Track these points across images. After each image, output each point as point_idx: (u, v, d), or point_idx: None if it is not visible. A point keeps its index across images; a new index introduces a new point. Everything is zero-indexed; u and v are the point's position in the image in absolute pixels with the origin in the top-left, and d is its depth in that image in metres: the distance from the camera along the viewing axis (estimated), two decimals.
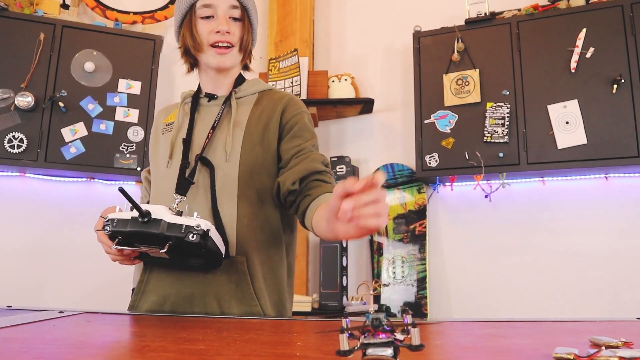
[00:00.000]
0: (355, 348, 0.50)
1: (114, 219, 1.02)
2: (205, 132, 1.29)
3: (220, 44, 1.29)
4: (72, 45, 2.95)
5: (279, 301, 1.27)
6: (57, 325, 0.90)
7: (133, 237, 1.02)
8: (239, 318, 1.12)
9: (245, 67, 1.44)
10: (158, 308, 1.22)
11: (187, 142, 1.28)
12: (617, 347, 0.65)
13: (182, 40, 1.35)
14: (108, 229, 1.03)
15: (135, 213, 0.99)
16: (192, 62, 1.38)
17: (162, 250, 0.99)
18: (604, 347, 0.64)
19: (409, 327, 0.50)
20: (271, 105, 1.31)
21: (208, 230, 1.03)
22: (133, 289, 1.32)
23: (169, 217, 1.00)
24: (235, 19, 1.31)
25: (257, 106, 1.32)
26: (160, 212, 1.00)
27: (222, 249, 1.13)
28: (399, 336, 0.51)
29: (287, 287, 1.31)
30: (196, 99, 1.37)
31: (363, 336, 0.51)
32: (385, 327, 0.50)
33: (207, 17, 1.29)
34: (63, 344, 0.73)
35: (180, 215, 1.02)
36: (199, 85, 1.40)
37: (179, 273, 1.21)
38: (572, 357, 0.61)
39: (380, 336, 0.50)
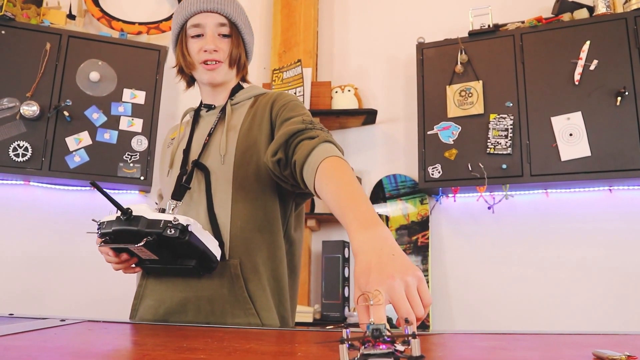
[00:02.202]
0: (355, 359, 0.50)
1: (104, 222, 1.06)
2: (202, 140, 1.32)
3: (208, 62, 1.32)
4: (78, 55, 2.97)
5: (279, 303, 1.25)
6: (59, 333, 0.90)
7: (119, 236, 1.04)
8: (240, 328, 1.11)
9: (243, 79, 1.46)
10: (154, 312, 1.23)
11: (187, 152, 1.32)
12: None
13: (176, 60, 1.40)
14: (99, 231, 1.06)
15: (114, 215, 1.03)
16: (188, 79, 1.43)
17: (139, 245, 1.00)
18: None
19: (409, 338, 0.50)
20: (263, 106, 1.32)
21: (188, 225, 1.03)
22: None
23: (150, 215, 1.02)
24: (224, 35, 1.34)
25: (251, 108, 1.34)
26: (141, 210, 1.02)
27: (216, 250, 1.13)
28: (400, 347, 0.50)
29: (289, 288, 1.29)
30: (197, 112, 1.43)
31: (363, 347, 0.50)
32: (385, 337, 0.50)
33: (197, 36, 1.33)
34: (64, 352, 0.72)
35: (163, 213, 1.05)
36: (201, 100, 1.45)
37: (174, 278, 1.22)
38: None
39: (381, 347, 0.49)
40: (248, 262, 1.21)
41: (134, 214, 1.02)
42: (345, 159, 1.07)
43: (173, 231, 1.01)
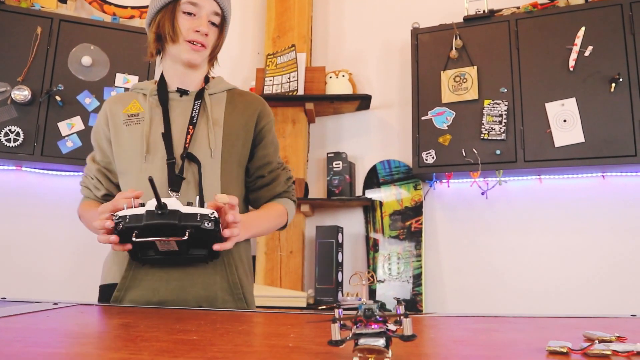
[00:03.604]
0: (347, 338, 0.50)
1: (126, 216, 1.07)
2: (182, 128, 1.32)
3: (195, 43, 1.33)
4: (70, 39, 2.94)
5: (249, 285, 1.38)
6: (51, 316, 0.90)
7: (148, 230, 1.06)
8: (233, 311, 1.12)
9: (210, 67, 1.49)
10: (146, 302, 1.24)
11: (169, 137, 1.30)
12: (610, 341, 0.65)
13: (158, 27, 1.36)
14: (122, 225, 1.06)
15: (143, 209, 1.05)
16: (158, 50, 1.41)
17: (184, 238, 1.05)
18: (597, 341, 0.64)
19: (402, 318, 0.50)
20: (245, 107, 1.41)
21: (217, 217, 1.09)
22: (101, 286, 1.35)
23: (183, 208, 1.06)
24: (213, 24, 1.36)
25: (230, 105, 1.40)
26: (174, 203, 1.06)
27: None
28: (392, 327, 0.51)
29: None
30: (165, 92, 1.38)
31: (355, 326, 0.51)
32: (377, 317, 0.50)
33: (189, 14, 1.33)
34: (56, 334, 0.72)
35: (191, 206, 1.08)
36: (164, 78, 1.41)
37: (168, 268, 1.25)
38: (565, 351, 0.61)
39: (373, 326, 0.50)
40: (235, 250, 1.32)
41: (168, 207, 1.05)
42: (285, 207, 1.44)
43: (209, 224, 1.06)
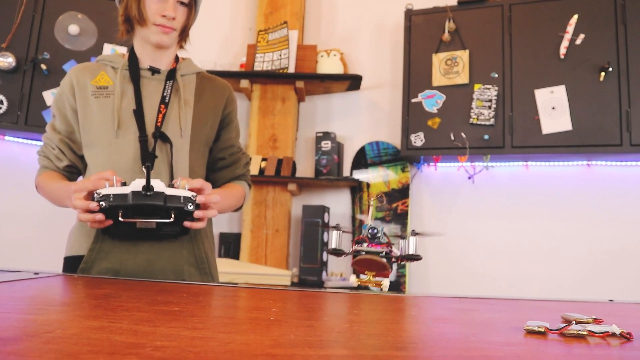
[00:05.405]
0: (350, 251, 0.49)
1: (109, 195, 1.07)
2: (154, 106, 1.32)
3: (163, 26, 1.32)
4: (56, 7, 2.87)
5: (214, 260, 1.42)
6: (31, 285, 0.89)
7: (132, 209, 1.08)
8: (219, 285, 1.12)
9: (180, 47, 1.47)
10: (113, 274, 1.24)
11: (141, 115, 1.30)
12: (587, 322, 0.66)
13: (126, 9, 1.34)
14: (105, 204, 1.06)
15: (128, 189, 1.06)
16: (128, 29, 1.38)
17: (170, 220, 1.09)
18: (574, 322, 0.65)
19: (409, 236, 0.49)
20: (214, 91, 1.44)
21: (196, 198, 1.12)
22: (66, 257, 1.35)
23: (167, 190, 1.08)
24: (182, 3, 1.34)
25: (200, 88, 1.42)
26: (158, 185, 1.07)
27: None
28: (396, 250, 0.50)
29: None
30: (137, 68, 1.36)
31: (357, 244, 0.49)
32: (381, 240, 0.49)
33: None
34: (35, 302, 0.72)
35: (173, 188, 1.11)
36: (135, 54, 1.39)
37: (136, 241, 1.26)
38: (543, 330, 0.62)
39: (376, 248, 0.48)
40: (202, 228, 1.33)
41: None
42: (244, 189, 1.50)
43: (192, 206, 1.10)
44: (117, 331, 0.50)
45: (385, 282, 0.49)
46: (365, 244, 0.49)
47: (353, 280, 0.48)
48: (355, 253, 0.49)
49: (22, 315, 0.58)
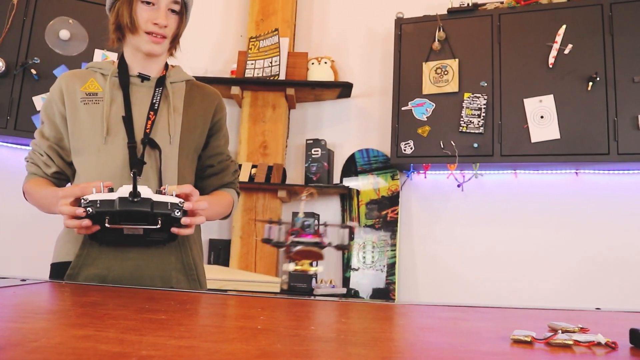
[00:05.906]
0: (282, 242, 0.52)
1: (96, 201, 1.06)
2: (143, 113, 1.32)
3: (155, 34, 1.32)
4: (47, 12, 2.86)
5: (202, 267, 1.42)
6: (18, 292, 0.88)
7: (119, 216, 1.07)
8: (207, 292, 1.11)
9: (171, 54, 1.47)
10: (100, 280, 1.23)
11: (130, 121, 1.30)
12: (573, 332, 0.67)
13: (117, 17, 1.33)
14: (91, 210, 1.06)
15: (115, 195, 1.06)
16: (119, 37, 1.38)
17: (157, 227, 1.08)
18: (560, 331, 0.65)
19: (339, 228, 0.52)
20: (204, 98, 1.45)
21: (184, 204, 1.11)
22: (53, 264, 1.34)
23: (154, 196, 1.07)
24: (173, 11, 1.34)
25: (189, 95, 1.42)
26: (145, 191, 1.07)
27: None
28: (326, 240, 0.52)
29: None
30: (126, 75, 1.36)
31: (292, 236, 0.52)
32: (313, 229, 0.51)
33: (148, 3, 1.31)
34: (21, 310, 0.71)
35: (161, 194, 1.10)
36: (124, 61, 1.39)
37: (123, 247, 1.25)
38: (529, 340, 0.62)
39: (308, 238, 0.51)
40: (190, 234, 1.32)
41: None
42: (232, 197, 1.49)
43: (179, 212, 1.09)
44: (103, 340, 0.50)
45: (320, 268, 0.54)
46: (297, 236, 0.54)
47: (291, 267, 0.52)
48: (292, 243, 0.53)
49: (7, 324, 0.58)
